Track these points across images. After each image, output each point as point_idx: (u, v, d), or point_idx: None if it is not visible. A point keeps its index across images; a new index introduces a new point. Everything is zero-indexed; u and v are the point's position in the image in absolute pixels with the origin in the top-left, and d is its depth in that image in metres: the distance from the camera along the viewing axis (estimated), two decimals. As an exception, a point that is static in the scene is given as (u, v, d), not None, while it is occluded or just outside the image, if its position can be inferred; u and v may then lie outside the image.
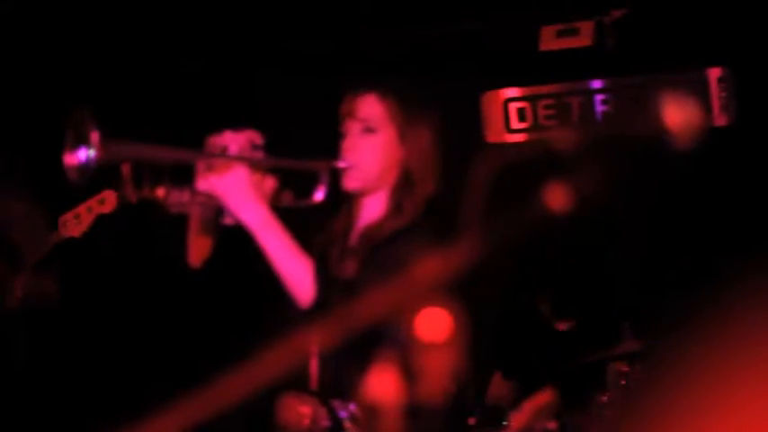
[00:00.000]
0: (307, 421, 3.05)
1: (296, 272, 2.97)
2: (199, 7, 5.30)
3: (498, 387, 4.65)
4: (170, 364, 5.90)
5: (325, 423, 3.02)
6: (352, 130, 3.11)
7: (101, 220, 4.52)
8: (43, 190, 4.75)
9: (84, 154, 2.82)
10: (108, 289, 6.02)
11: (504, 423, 4.36)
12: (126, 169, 2.90)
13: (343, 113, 3.14)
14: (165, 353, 6.02)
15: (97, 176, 2.82)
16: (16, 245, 4.65)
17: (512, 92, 5.14)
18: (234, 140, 3.01)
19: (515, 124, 5.07)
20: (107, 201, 4.58)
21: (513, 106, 5.07)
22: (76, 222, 4.59)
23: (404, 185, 3.10)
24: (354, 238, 3.17)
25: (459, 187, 2.72)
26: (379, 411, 1.43)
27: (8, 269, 3.88)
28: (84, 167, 2.82)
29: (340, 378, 2.96)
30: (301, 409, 3.06)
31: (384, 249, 3.02)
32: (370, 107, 3.09)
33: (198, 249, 3.20)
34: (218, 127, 3.07)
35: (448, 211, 2.97)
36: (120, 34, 5.58)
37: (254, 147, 3.02)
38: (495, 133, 5.02)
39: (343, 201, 3.22)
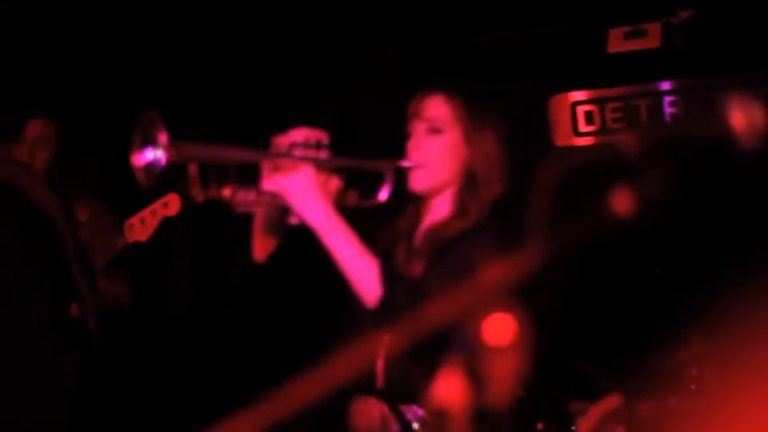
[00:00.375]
0: (377, 426, 3.06)
1: (362, 271, 2.97)
2: (265, 10, 5.32)
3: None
4: (238, 367, 5.94)
5: (395, 428, 3.03)
6: (419, 130, 3.11)
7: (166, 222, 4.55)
8: (110, 192, 4.79)
9: (152, 154, 2.84)
10: (176, 289, 6.07)
11: (573, 428, 4.35)
12: (193, 169, 2.91)
13: (410, 113, 3.14)
14: (232, 356, 6.06)
15: (163, 177, 2.85)
16: (85, 248, 4.70)
17: (579, 95, 5.11)
18: (299, 140, 3.02)
19: (583, 127, 5.05)
20: (171, 204, 4.62)
21: (581, 109, 5.04)
22: (142, 226, 4.63)
23: (469, 186, 3.09)
24: (419, 238, 3.17)
25: (526, 190, 2.72)
26: (446, 415, 1.42)
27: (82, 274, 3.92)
28: (151, 168, 2.84)
29: (407, 381, 2.96)
30: (371, 414, 3.07)
31: (449, 250, 3.02)
32: (437, 108, 3.09)
33: (263, 247, 3.22)
34: (284, 127, 3.08)
35: (514, 213, 2.97)
36: (187, 37, 5.62)
37: (320, 146, 3.02)
38: (563, 136, 4.99)
39: (408, 201, 3.22)
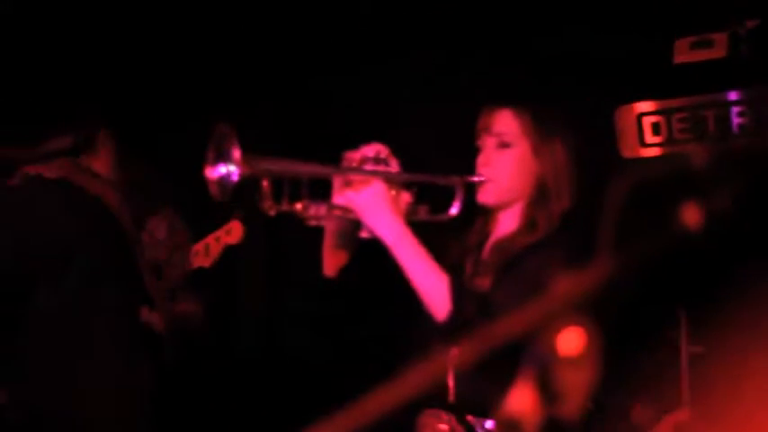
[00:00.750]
0: None
1: (432, 286, 2.98)
2: (337, 24, 5.37)
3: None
4: (308, 383, 5.96)
5: None
6: (488, 144, 3.13)
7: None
8: (182, 207, 4.84)
9: (225, 169, 2.90)
10: (244, 306, 6.10)
11: None
12: (265, 184, 2.96)
13: (479, 128, 3.17)
14: (301, 372, 6.08)
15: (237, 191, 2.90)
16: (160, 267, 4.77)
17: (646, 106, 5.09)
18: (370, 155, 3.05)
19: (650, 138, 5.02)
20: (234, 231, 4.68)
21: (648, 120, 5.01)
22: (206, 253, 4.70)
23: (538, 200, 3.11)
24: (488, 251, 3.18)
25: (594, 202, 2.73)
26: (518, 427, 1.45)
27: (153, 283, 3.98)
28: (225, 182, 2.90)
29: (477, 395, 2.98)
30: (439, 427, 3.09)
31: (517, 264, 3.03)
32: (506, 122, 3.12)
33: (333, 261, 3.25)
34: (355, 142, 3.12)
35: (583, 226, 2.99)
36: (260, 51, 5.67)
37: (389, 161, 3.06)
38: (630, 148, 4.97)
39: (477, 215, 3.25)
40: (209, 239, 4.71)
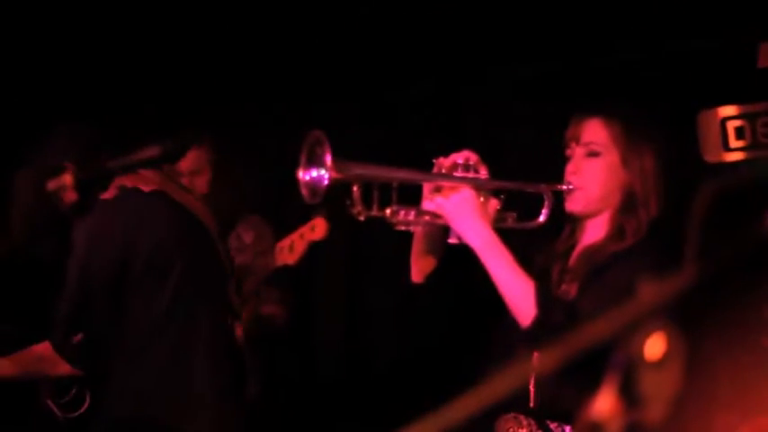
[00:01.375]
0: None
1: (518, 292, 2.98)
2: (419, 30, 5.40)
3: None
4: (390, 388, 5.98)
5: None
6: (577, 153, 3.15)
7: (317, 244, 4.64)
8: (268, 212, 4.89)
9: (316, 173, 2.95)
10: (328, 310, 6.14)
11: None
12: (356, 189, 3.00)
13: (568, 137, 3.18)
14: (384, 376, 6.10)
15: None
16: (245, 270, 4.84)
17: (729, 110, 5.06)
18: (460, 161, 3.08)
19: (733, 143, 4.98)
20: (318, 228, 4.72)
21: (731, 125, 4.98)
22: (291, 250, 4.75)
23: (627, 208, 3.11)
24: (575, 259, 3.19)
25: (679, 209, 2.72)
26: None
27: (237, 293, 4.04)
28: (315, 186, 2.95)
29: (557, 400, 2.99)
30: (519, 430, 3.11)
31: (605, 272, 3.04)
32: (595, 132, 3.14)
33: (421, 267, 3.28)
34: (446, 150, 3.15)
35: (671, 234, 2.99)
36: (346, 60, 5.72)
37: (479, 168, 3.09)
38: (713, 152, 4.94)
39: (565, 223, 3.26)
40: (294, 236, 4.76)
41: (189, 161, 5.02)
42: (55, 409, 3.80)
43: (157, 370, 3.66)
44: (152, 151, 3.54)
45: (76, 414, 3.73)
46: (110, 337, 3.61)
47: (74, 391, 3.80)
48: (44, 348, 3.66)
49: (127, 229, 3.64)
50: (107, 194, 3.70)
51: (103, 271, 3.61)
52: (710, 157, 5.04)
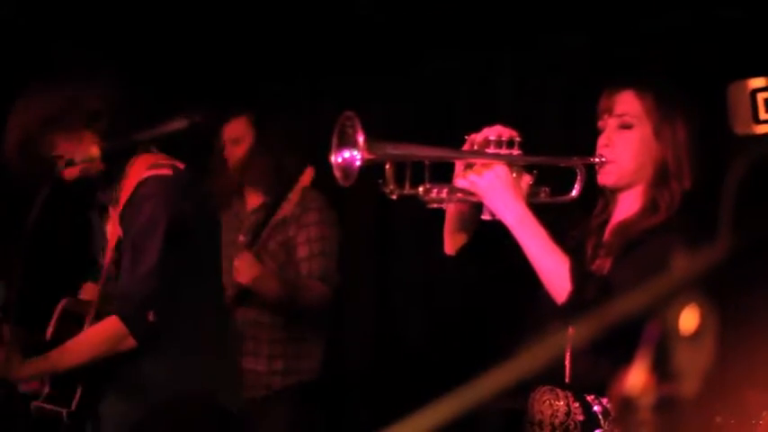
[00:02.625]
0: (561, 416, 3.10)
1: (553, 268, 2.98)
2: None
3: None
4: (423, 362, 5.99)
5: (580, 418, 3.07)
6: (609, 125, 3.13)
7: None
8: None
9: (349, 154, 2.95)
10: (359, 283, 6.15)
11: (754, 422, 4.28)
12: (388, 168, 3.00)
13: (600, 109, 3.16)
14: (416, 350, 6.11)
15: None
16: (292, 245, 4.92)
17: (759, 82, 5.00)
18: (492, 137, 3.07)
19: (764, 115, 4.94)
20: (305, 175, 4.79)
21: (761, 96, 4.93)
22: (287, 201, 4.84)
23: (660, 182, 3.09)
24: (609, 234, 3.18)
25: (712, 182, 2.70)
26: (633, 405, 1.47)
27: None
28: (348, 168, 2.95)
29: (593, 373, 2.98)
30: (556, 404, 3.11)
31: (639, 247, 3.02)
32: (628, 103, 3.11)
33: (453, 241, 3.28)
34: (476, 125, 3.14)
35: (705, 207, 2.97)
36: (378, 39, 5.74)
37: (511, 144, 3.07)
38: (743, 124, 4.90)
39: (598, 197, 3.25)
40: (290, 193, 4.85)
41: (231, 129, 5.09)
42: (44, 407, 3.75)
43: (199, 350, 3.68)
44: (179, 123, 3.54)
45: (69, 409, 3.69)
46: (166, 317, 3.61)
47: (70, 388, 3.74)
48: (105, 328, 3.64)
49: (191, 208, 3.65)
50: (158, 170, 3.69)
51: (177, 249, 3.61)
52: (740, 129, 5.00)
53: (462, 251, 3.26)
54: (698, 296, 1.54)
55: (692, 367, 1.58)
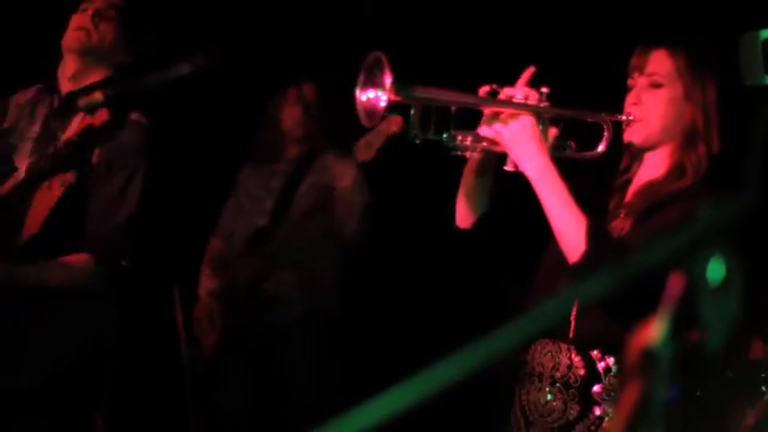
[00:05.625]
0: (563, 369, 3.08)
1: (570, 227, 2.94)
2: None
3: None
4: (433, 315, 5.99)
5: (581, 372, 3.05)
6: (639, 84, 3.08)
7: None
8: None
9: (374, 95, 2.92)
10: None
11: (763, 375, 4.32)
12: (414, 111, 2.97)
13: (631, 66, 3.11)
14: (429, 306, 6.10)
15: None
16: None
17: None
18: (523, 90, 3.04)
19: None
20: (393, 121, 4.79)
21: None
22: (367, 147, 4.83)
23: (687, 144, 3.05)
24: (632, 194, 3.15)
25: (741, 142, 2.65)
26: (653, 360, 1.45)
27: None
28: (373, 109, 2.92)
29: (599, 329, 2.97)
30: (558, 357, 3.09)
31: (662, 210, 2.99)
32: (660, 62, 3.06)
33: (469, 210, 3.24)
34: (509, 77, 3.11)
35: (732, 171, 2.94)
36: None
37: (541, 97, 3.04)
38: (754, 76, 4.84)
39: (623, 155, 3.21)
40: (370, 135, 4.85)
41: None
42: None
43: None
44: (183, 68, 3.53)
45: None
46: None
47: None
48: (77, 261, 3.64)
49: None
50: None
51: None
52: (751, 81, 4.94)
53: (477, 225, 3.23)
54: (725, 247, 1.52)
55: (719, 318, 1.56)
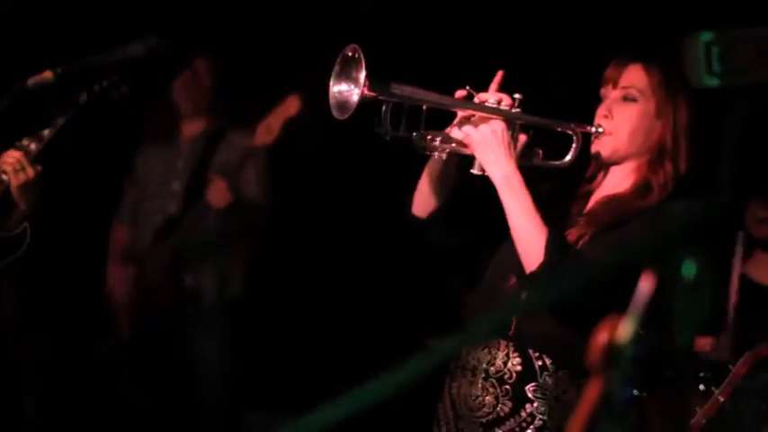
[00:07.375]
0: (498, 364, 3.06)
1: (530, 235, 2.93)
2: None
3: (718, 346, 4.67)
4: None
5: (518, 368, 3.04)
6: (612, 96, 3.08)
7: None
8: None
9: (347, 88, 2.91)
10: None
11: (731, 367, 4.39)
12: (385, 108, 2.97)
13: (605, 77, 3.12)
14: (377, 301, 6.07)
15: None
16: None
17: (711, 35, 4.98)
18: (496, 94, 3.04)
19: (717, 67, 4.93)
20: (291, 104, 4.81)
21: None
22: (267, 131, 4.84)
23: (655, 162, 3.05)
24: (593, 206, 3.14)
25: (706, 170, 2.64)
26: (617, 357, 1.46)
27: None
28: (345, 103, 2.91)
29: (541, 332, 2.98)
30: (494, 352, 3.07)
31: (624, 226, 2.98)
32: (635, 77, 3.06)
33: (427, 202, 3.24)
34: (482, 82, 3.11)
35: (698, 193, 2.94)
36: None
37: (514, 103, 3.04)
38: (697, 78, 4.88)
39: (589, 165, 3.21)
40: (270, 117, 4.85)
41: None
42: None
43: None
44: (136, 48, 3.51)
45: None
46: None
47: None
48: None
49: None
50: None
51: None
52: (694, 82, 4.97)
53: (434, 216, 3.24)
54: (695, 250, 1.53)
55: (689, 319, 1.56)
